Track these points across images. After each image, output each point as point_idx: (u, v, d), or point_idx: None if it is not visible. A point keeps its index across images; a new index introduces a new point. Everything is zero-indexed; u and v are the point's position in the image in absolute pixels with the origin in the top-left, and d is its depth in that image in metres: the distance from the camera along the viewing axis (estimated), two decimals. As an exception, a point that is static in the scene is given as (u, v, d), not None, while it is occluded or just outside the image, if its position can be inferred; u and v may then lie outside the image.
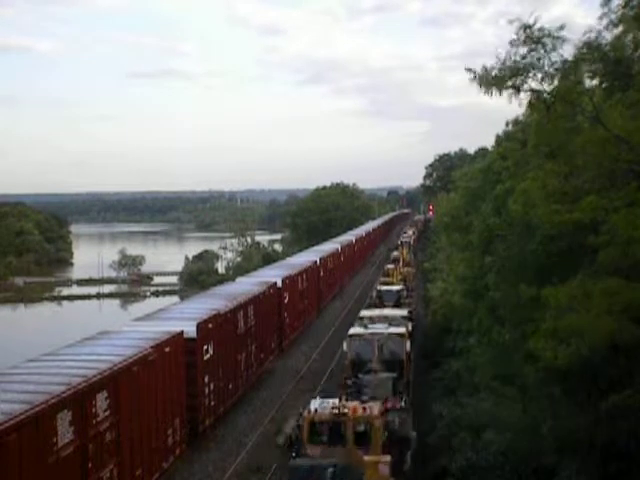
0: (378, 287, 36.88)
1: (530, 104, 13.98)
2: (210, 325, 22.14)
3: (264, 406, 26.05)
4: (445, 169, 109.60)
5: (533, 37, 12.76)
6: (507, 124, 30.56)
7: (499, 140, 36.47)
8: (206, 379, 21.79)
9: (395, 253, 59.68)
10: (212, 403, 22.34)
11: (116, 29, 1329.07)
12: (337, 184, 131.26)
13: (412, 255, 67.88)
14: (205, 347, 21.69)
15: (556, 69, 13.02)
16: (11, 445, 11.71)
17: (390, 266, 50.56)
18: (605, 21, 13.61)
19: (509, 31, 12.96)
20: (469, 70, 13.28)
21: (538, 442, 16.44)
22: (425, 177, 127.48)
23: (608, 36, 13.85)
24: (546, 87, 13.30)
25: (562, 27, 12.94)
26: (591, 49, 13.25)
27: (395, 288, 36.12)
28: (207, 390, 21.92)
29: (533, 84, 13.23)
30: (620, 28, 13.79)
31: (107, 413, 14.99)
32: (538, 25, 12.85)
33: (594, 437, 14.94)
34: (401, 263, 52.86)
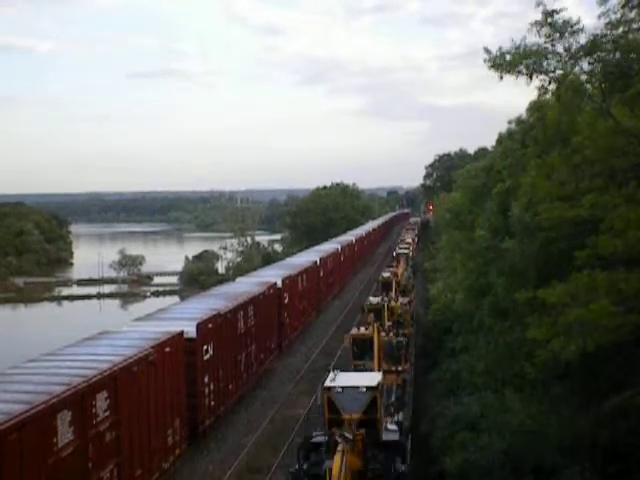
0: (330, 378, 17.07)
1: (540, 90, 14.05)
2: (210, 325, 22.13)
3: (264, 406, 26.04)
4: (445, 169, 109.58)
5: (551, 23, 12.89)
6: (510, 122, 30.60)
7: (501, 139, 36.50)
8: (206, 379, 21.78)
9: (386, 274, 39.55)
10: (212, 403, 22.33)
11: (116, 29, 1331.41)
12: (337, 184, 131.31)
13: (411, 274, 50.17)
14: (205, 347, 21.68)
15: (568, 57, 13.12)
16: (11, 445, 11.71)
17: (374, 299, 30.26)
18: (603, 20, 13.61)
19: (509, 30, 13.08)
20: (486, 51, 13.35)
21: (539, 442, 16.43)
22: (425, 177, 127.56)
23: (608, 36, 13.84)
24: (557, 75, 13.39)
25: (579, 20, 13.09)
26: (594, 47, 13.28)
27: (366, 381, 16.85)
28: (207, 390, 21.91)
29: (546, 66, 13.32)
30: (620, 29, 13.78)
31: (107, 413, 14.98)
32: (560, 12, 13.00)
33: (595, 437, 14.94)
34: (394, 291, 34.88)
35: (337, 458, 13.97)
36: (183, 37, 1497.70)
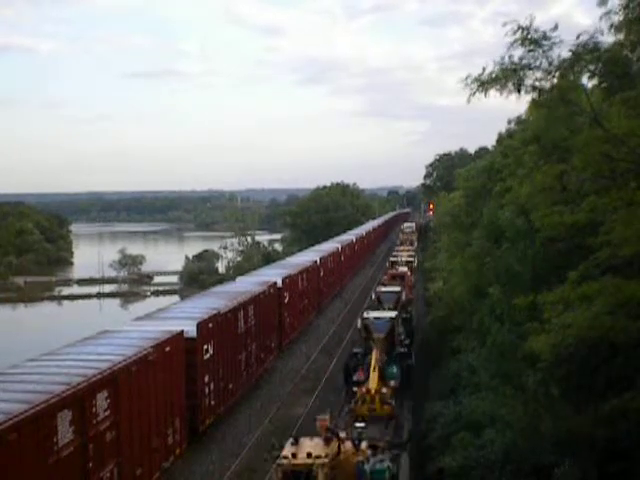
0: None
1: (533, 102, 14.02)
2: (210, 325, 22.13)
3: (264, 406, 26.05)
4: (445, 168, 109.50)
5: (530, 39, 12.76)
6: (509, 122, 30.65)
7: (501, 138, 36.55)
8: (206, 379, 21.79)
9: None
10: (212, 403, 22.34)
11: (116, 29, 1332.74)
12: (337, 184, 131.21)
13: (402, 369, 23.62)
14: (205, 347, 21.68)
15: (555, 67, 13.02)
16: (11, 445, 11.71)
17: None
18: (606, 22, 13.55)
19: (508, 31, 12.95)
20: (467, 77, 13.24)
21: (538, 441, 16.43)
22: (425, 177, 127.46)
23: (610, 38, 13.83)
24: (546, 84, 13.31)
25: (555, 27, 12.96)
26: (588, 50, 13.21)
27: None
28: (207, 390, 21.91)
29: (532, 81, 13.23)
30: (623, 31, 13.74)
31: (107, 413, 14.99)
32: (534, 26, 12.86)
33: (594, 437, 14.93)
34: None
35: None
36: (183, 37, 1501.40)
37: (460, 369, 25.93)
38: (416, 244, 73.26)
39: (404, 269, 42.33)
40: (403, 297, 31.08)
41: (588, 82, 14.56)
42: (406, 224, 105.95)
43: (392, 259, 50.01)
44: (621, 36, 13.69)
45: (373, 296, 29.99)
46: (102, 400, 14.80)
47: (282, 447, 13.03)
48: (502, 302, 19.22)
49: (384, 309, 28.90)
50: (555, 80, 13.13)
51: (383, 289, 31.40)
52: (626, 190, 12.88)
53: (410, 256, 52.12)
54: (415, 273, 50.16)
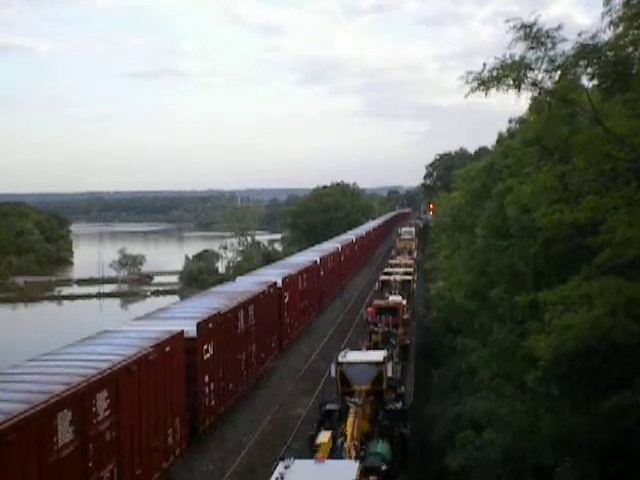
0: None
1: (533, 101, 14.03)
2: (210, 325, 22.12)
3: (264, 406, 26.03)
4: (445, 168, 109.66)
5: (533, 36, 12.77)
6: (510, 121, 30.63)
7: (501, 138, 36.50)
8: (206, 379, 21.77)
9: None
10: (212, 403, 22.32)
11: (116, 29, 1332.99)
12: (337, 184, 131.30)
13: None
14: (205, 347, 21.66)
15: (556, 66, 13.02)
16: (11, 445, 11.70)
17: None
18: (606, 20, 13.54)
19: (508, 31, 12.96)
20: (468, 73, 13.22)
21: (538, 441, 16.42)
22: (425, 176, 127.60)
23: (608, 36, 13.82)
24: (546, 83, 13.30)
25: (559, 27, 12.97)
26: (588, 50, 13.21)
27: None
28: (207, 390, 21.90)
29: (533, 79, 13.21)
30: (620, 28, 13.73)
31: (107, 413, 14.97)
32: (537, 25, 12.87)
33: (593, 437, 14.93)
34: None
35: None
36: (183, 37, 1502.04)
37: (461, 369, 25.94)
38: (416, 253, 61.26)
39: (397, 298, 29.84)
40: (389, 371, 18.56)
41: (588, 83, 14.56)
42: (404, 229, 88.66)
43: (383, 277, 36.45)
44: (620, 29, 13.67)
45: (332, 370, 18.15)
46: (102, 400, 14.78)
47: None
48: (504, 301, 19.21)
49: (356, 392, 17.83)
50: (556, 79, 13.14)
51: (350, 358, 18.36)
52: (627, 189, 12.88)
53: (408, 273, 38.75)
54: (413, 299, 36.80)
